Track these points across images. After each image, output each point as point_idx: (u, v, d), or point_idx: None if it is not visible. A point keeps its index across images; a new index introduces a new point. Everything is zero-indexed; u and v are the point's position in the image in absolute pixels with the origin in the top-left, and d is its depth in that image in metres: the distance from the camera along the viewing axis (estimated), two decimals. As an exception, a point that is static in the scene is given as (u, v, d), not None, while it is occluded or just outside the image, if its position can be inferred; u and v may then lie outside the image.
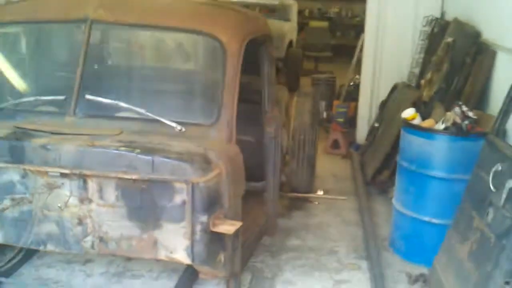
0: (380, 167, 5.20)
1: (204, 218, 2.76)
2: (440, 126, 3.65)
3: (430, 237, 3.78)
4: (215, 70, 3.20)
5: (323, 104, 8.30)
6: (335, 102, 7.50)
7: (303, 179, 4.97)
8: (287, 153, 4.92)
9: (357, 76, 7.53)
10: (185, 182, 2.70)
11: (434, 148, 3.65)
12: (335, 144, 6.65)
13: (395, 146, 4.94)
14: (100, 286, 3.53)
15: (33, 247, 2.95)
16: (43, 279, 3.58)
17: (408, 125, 3.85)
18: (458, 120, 3.51)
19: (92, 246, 2.88)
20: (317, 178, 5.61)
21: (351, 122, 7.16)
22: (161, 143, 2.87)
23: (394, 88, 6.17)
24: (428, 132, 3.68)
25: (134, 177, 2.73)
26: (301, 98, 5.01)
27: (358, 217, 4.72)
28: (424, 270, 3.76)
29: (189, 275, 3.53)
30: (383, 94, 6.51)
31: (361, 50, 6.99)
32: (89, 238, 2.87)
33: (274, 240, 4.23)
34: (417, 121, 3.88)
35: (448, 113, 3.60)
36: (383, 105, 6.34)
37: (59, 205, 2.80)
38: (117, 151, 2.76)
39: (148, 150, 2.77)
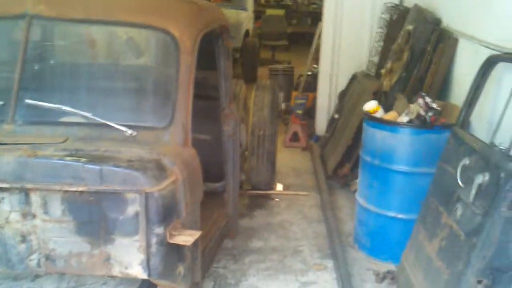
0: (341, 160, 5.09)
1: (159, 230, 2.57)
2: (404, 118, 3.54)
3: (396, 233, 3.69)
4: (168, 67, 2.98)
5: (281, 95, 8.18)
6: (294, 93, 7.36)
7: (264, 176, 4.82)
8: (247, 149, 4.75)
9: (315, 66, 7.41)
10: (137, 193, 2.50)
11: (397, 142, 3.54)
12: (295, 137, 6.51)
13: (356, 138, 4.85)
14: (51, 302, 3.30)
15: (-28, 266, 2.69)
16: (-12, 298, 3.33)
17: (370, 118, 3.73)
18: (422, 112, 3.41)
19: (39, 265, 2.64)
20: (277, 173, 5.47)
21: (310, 113, 7.04)
22: (110, 150, 2.65)
23: (353, 78, 6.07)
24: (391, 126, 3.56)
25: (80, 189, 2.51)
26: (259, 91, 4.84)
27: (321, 213, 4.60)
28: (391, 266, 3.67)
29: (147, 287, 3.33)
30: (342, 84, 6.41)
31: (319, 38, 6.84)
32: (34, 256, 2.63)
33: (236, 242, 4.06)
34: (379, 113, 3.76)
35: (412, 105, 3.49)
36: (343, 95, 6.23)
37: (-1, 221, 2.55)
38: (61, 161, 2.52)
39: (96, 159, 2.55)
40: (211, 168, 4.21)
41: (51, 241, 2.59)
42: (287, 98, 7.82)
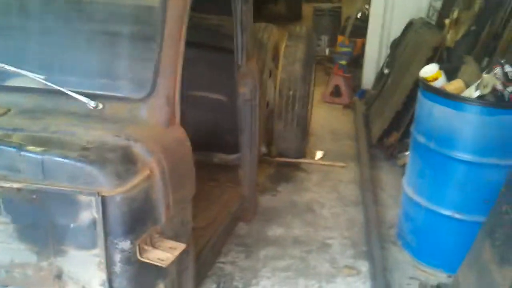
0: (388, 127, 4.23)
1: (124, 244, 1.88)
2: (473, 92, 2.66)
3: (451, 235, 2.89)
4: (149, 13, 2.20)
5: (325, 39, 7.26)
6: (339, 38, 6.42)
7: (291, 144, 4.03)
8: (273, 111, 3.97)
9: (366, 7, 6.40)
10: (90, 195, 1.79)
11: (463, 122, 2.67)
12: (336, 91, 5.63)
13: (408, 103, 3.98)
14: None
15: None
16: None
17: (427, 88, 2.85)
18: (499, 87, 2.52)
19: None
20: (311, 135, 4.68)
21: (357, 62, 6.12)
22: (62, 131, 1.93)
23: (410, 25, 5.10)
24: (455, 101, 2.68)
25: (15, 185, 1.82)
26: (292, 41, 3.97)
27: (359, 193, 3.81)
28: (442, 276, 2.92)
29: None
30: (396, 31, 5.45)
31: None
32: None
33: (251, 227, 3.36)
34: (440, 82, 2.87)
35: (486, 76, 2.59)
36: (396, 45, 5.28)
37: None
38: (-10, 143, 1.83)
39: (38, 143, 1.84)
40: (225, 136, 3.48)
41: (-14, 246, 1.95)
42: (332, 43, 6.90)
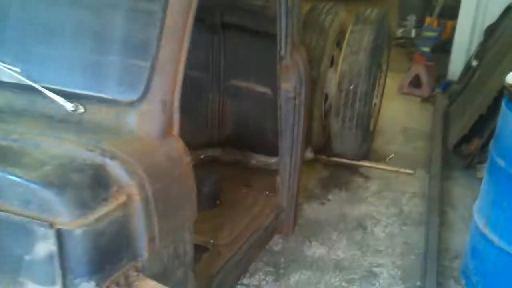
0: (469, 133, 3.59)
1: (88, 285, 1.51)
2: None
3: (529, 287, 2.30)
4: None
5: (412, 19, 6.54)
6: (427, 20, 5.69)
7: (350, 145, 3.50)
8: (330, 107, 3.46)
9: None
10: (44, 226, 1.43)
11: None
12: (416, 82, 4.97)
13: (494, 107, 3.31)
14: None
15: None
16: None
17: (515, 99, 2.24)
18: None
19: None
20: (380, 132, 4.11)
21: (444, 48, 5.39)
22: (25, 140, 1.57)
23: (508, 10, 4.33)
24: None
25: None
26: (358, 27, 3.40)
27: (424, 210, 3.24)
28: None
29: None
30: (492, 14, 4.69)
31: None
32: None
33: (287, 244, 2.91)
34: (533, 93, 2.25)
35: None
36: (490, 31, 4.54)
37: None
38: None
39: (-10, 154, 1.50)
40: (268, 135, 3.03)
41: None
42: (420, 24, 6.16)
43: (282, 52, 2.53)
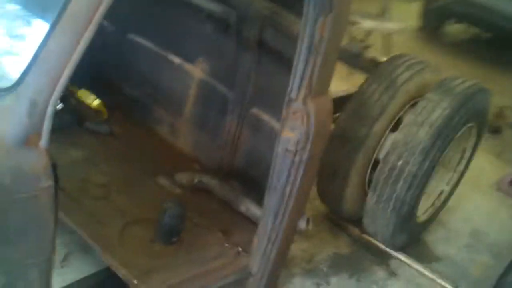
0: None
1: None
2: None
3: None
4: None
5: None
6: None
7: (382, 228, 2.86)
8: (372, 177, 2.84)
9: None
10: None
11: None
12: (521, 182, 4.08)
13: None
14: None
15: None
16: None
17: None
18: None
19: None
20: (442, 225, 3.40)
21: None
22: None
23: None
24: None
25: None
26: (435, 95, 2.73)
27: None
28: None
29: None
30: None
31: None
32: None
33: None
34: None
35: None
36: None
37: None
38: None
39: None
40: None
41: None
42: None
43: (293, 94, 2.02)
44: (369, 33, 6.05)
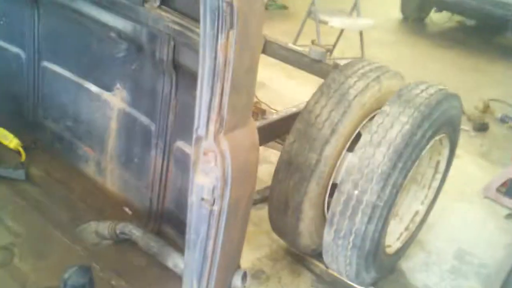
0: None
1: None
2: None
3: None
4: None
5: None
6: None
7: (343, 267, 2.46)
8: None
9: None
10: None
11: None
12: (510, 188, 3.69)
13: None
14: None
15: None
16: None
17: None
18: None
19: None
20: (421, 246, 3.02)
21: None
22: None
23: None
24: None
25: None
26: (392, 108, 2.34)
27: None
28: None
29: None
30: None
31: None
32: None
33: None
34: None
35: None
36: None
37: None
38: None
39: None
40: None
41: None
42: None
43: (201, 131, 1.63)
44: (340, 32, 5.67)
